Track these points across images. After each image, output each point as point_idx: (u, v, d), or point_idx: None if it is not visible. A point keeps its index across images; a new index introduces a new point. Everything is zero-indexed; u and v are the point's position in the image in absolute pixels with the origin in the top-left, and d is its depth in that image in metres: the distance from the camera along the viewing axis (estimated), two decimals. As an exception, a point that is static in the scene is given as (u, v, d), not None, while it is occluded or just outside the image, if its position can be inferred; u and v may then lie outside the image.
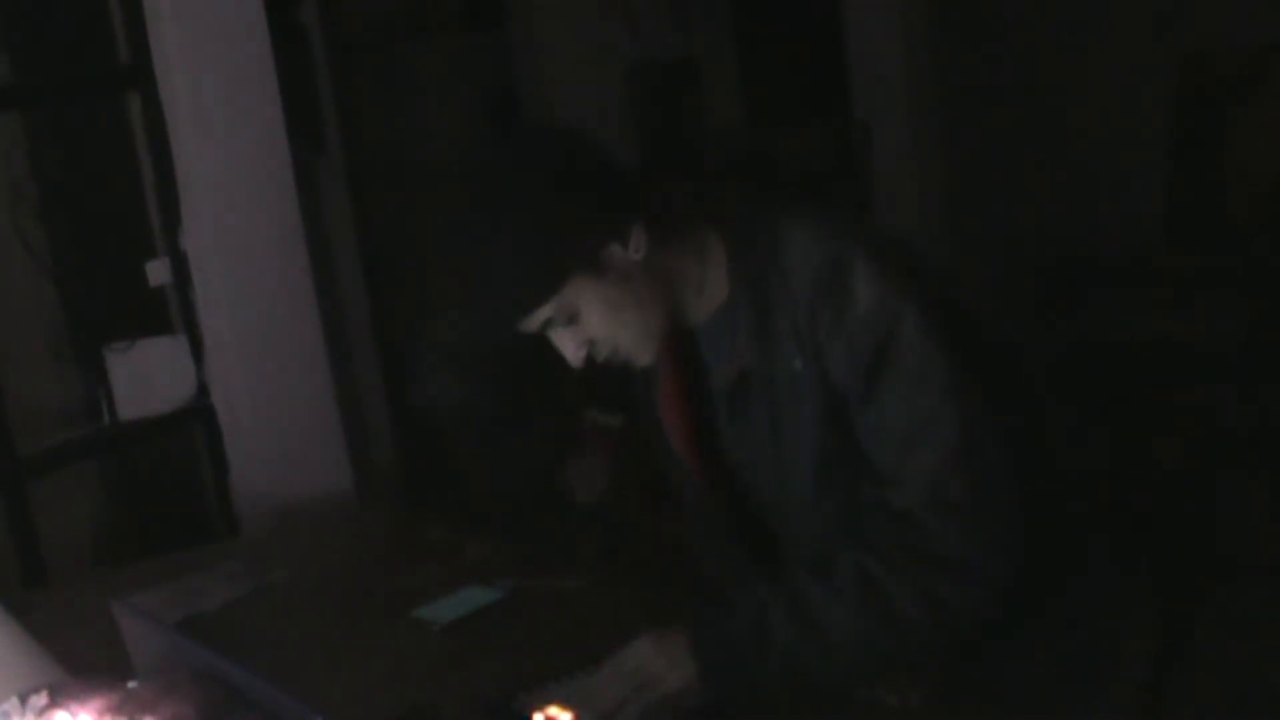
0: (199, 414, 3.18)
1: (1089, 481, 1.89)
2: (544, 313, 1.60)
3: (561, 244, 1.58)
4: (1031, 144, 4.74)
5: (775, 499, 1.72)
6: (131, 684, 1.58)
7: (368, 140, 4.92)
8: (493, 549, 2.27)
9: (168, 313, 3.25)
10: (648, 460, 1.82)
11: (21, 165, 3.29)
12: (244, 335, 3.05)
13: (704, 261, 1.67)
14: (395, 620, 2.02)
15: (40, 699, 1.58)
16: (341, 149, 4.48)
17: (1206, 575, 1.97)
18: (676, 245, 1.65)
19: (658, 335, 1.66)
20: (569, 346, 1.64)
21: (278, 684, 1.35)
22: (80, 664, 1.78)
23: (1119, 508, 1.97)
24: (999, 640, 1.67)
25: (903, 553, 1.54)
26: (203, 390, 3.16)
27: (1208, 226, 4.41)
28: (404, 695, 1.76)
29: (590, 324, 1.62)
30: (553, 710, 1.60)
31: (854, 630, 1.54)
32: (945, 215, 4.75)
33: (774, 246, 1.63)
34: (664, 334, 1.67)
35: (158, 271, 3.16)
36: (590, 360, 1.66)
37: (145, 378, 3.17)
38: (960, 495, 1.54)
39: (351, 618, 2.09)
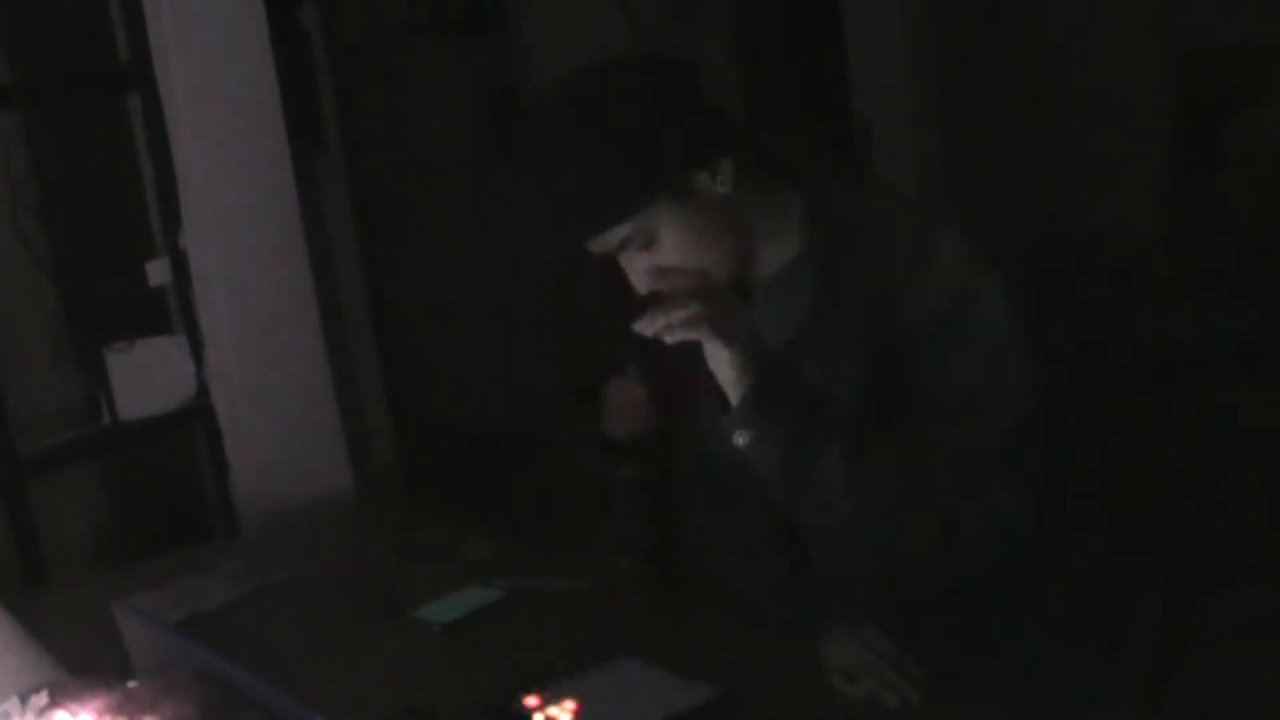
0: (199, 414, 3.18)
1: (1090, 481, 1.89)
2: (622, 231, 1.60)
3: (653, 158, 1.58)
4: (1031, 144, 4.74)
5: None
6: (131, 684, 1.58)
7: (368, 140, 4.92)
8: (493, 549, 2.27)
9: (168, 313, 3.25)
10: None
11: (21, 165, 3.29)
12: (244, 335, 3.05)
13: (781, 213, 1.69)
14: (395, 620, 2.02)
15: (40, 699, 1.58)
16: (341, 149, 4.48)
17: (1208, 575, 1.97)
18: (760, 189, 1.67)
19: (725, 277, 1.66)
20: (639, 272, 1.64)
21: (278, 684, 1.35)
22: (80, 664, 1.78)
23: (1120, 507, 1.97)
24: (1000, 639, 1.67)
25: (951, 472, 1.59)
26: (203, 390, 3.16)
27: (1208, 226, 4.41)
28: (404, 695, 1.76)
29: (665, 251, 1.62)
30: (553, 710, 1.60)
31: (898, 496, 1.60)
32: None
33: (857, 207, 1.67)
34: (731, 278, 1.67)
35: (158, 271, 3.15)
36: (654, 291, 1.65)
37: (145, 378, 3.16)
38: (1008, 448, 1.59)
39: (351, 618, 2.08)
